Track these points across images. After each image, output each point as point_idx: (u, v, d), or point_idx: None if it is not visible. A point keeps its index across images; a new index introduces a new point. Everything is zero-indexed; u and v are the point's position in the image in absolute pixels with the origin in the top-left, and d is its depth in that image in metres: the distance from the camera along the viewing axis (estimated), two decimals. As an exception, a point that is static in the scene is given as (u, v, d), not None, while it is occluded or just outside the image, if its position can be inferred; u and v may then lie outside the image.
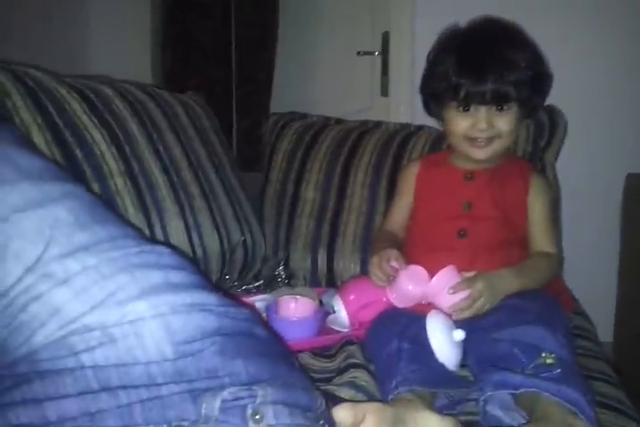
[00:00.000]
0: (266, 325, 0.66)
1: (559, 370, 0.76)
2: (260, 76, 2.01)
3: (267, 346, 0.61)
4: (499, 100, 1.03)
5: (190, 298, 0.57)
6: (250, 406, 0.53)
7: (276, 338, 0.66)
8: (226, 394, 0.53)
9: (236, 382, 0.54)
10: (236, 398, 0.53)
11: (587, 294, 1.32)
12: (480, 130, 1.04)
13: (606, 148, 1.66)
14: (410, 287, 1.00)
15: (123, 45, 2.00)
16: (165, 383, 0.52)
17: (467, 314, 0.95)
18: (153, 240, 0.69)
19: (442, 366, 0.88)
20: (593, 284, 1.52)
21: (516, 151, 1.34)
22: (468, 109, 1.05)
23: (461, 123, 1.06)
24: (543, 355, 0.79)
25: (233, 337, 0.57)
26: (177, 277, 0.59)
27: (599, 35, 1.63)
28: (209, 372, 0.54)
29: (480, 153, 1.08)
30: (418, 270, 1.01)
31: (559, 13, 1.60)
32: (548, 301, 0.99)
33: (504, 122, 1.05)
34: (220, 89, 2.03)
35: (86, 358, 0.52)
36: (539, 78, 1.07)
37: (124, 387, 0.51)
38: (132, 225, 0.67)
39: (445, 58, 1.08)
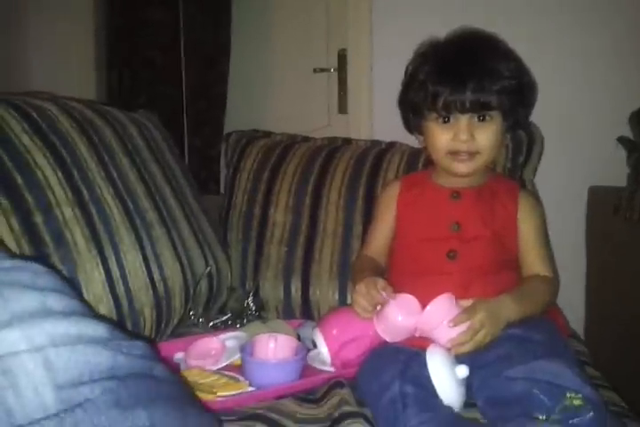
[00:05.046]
0: (164, 361, 0.55)
1: (591, 413, 0.67)
2: (213, 92, 1.91)
3: (170, 388, 0.51)
4: (480, 109, 0.97)
5: (75, 328, 0.46)
6: None
7: (176, 377, 0.56)
8: None
9: None
10: None
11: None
12: (461, 141, 0.98)
13: (568, 160, 1.64)
14: (400, 318, 0.91)
15: (65, 61, 1.87)
16: None
17: (467, 348, 0.86)
18: (31, 258, 0.58)
19: (451, 412, 0.78)
20: (561, 296, 1.47)
21: (496, 169, 1.28)
22: (447, 120, 0.99)
23: (442, 135, 1.00)
24: (568, 395, 0.71)
25: (130, 380, 0.47)
26: (57, 301, 0.48)
27: (565, 50, 1.62)
28: None
29: (463, 167, 1.01)
30: (408, 300, 0.93)
31: (528, 29, 1.57)
32: (551, 329, 0.93)
33: (486, 134, 0.99)
34: (170, 106, 1.92)
35: None
36: (523, 88, 1.02)
37: None
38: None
39: (424, 67, 1.03)
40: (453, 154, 1.00)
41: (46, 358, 0.43)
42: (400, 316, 0.91)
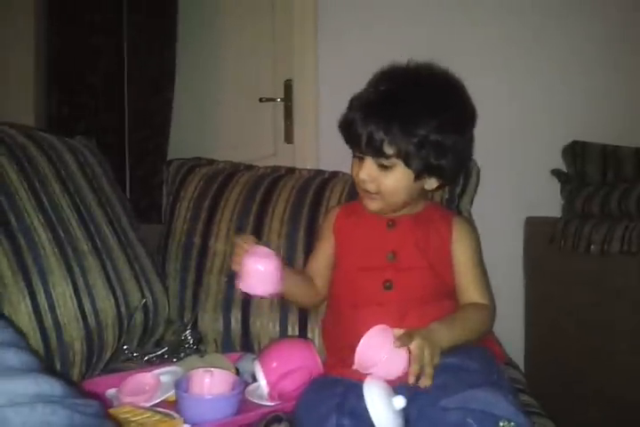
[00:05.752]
0: (111, 418, 0.56)
1: (522, 441, 0.68)
2: (156, 120, 1.89)
3: None
4: (375, 154, 0.97)
5: (34, 386, 0.46)
6: None
7: None
8: None
9: None
10: None
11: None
12: (361, 180, 1.00)
13: (505, 191, 1.69)
14: (259, 267, 0.95)
15: (3, 85, 1.83)
16: None
17: (428, 378, 0.82)
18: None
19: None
20: (500, 327, 1.48)
21: (433, 199, 1.30)
22: (361, 158, 1.00)
23: (354, 171, 1.03)
24: (501, 424, 0.71)
25: None
26: (15, 357, 0.48)
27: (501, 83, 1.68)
28: None
29: (370, 204, 1.03)
30: (262, 248, 0.98)
31: (474, 64, 1.61)
32: (486, 357, 0.93)
33: (386, 178, 0.99)
34: (112, 134, 1.88)
35: None
36: (434, 145, 0.96)
37: None
38: None
39: (353, 100, 1.05)
40: (363, 190, 1.02)
41: (4, 418, 0.43)
42: (259, 264, 0.95)
